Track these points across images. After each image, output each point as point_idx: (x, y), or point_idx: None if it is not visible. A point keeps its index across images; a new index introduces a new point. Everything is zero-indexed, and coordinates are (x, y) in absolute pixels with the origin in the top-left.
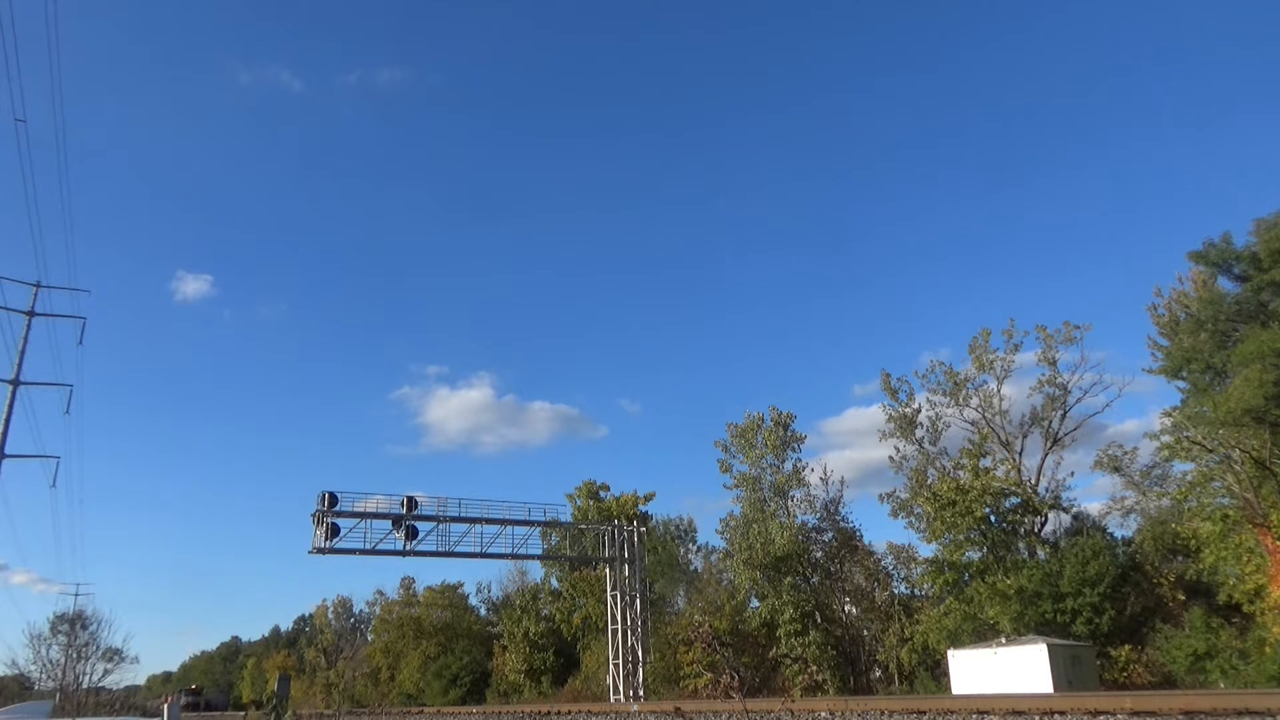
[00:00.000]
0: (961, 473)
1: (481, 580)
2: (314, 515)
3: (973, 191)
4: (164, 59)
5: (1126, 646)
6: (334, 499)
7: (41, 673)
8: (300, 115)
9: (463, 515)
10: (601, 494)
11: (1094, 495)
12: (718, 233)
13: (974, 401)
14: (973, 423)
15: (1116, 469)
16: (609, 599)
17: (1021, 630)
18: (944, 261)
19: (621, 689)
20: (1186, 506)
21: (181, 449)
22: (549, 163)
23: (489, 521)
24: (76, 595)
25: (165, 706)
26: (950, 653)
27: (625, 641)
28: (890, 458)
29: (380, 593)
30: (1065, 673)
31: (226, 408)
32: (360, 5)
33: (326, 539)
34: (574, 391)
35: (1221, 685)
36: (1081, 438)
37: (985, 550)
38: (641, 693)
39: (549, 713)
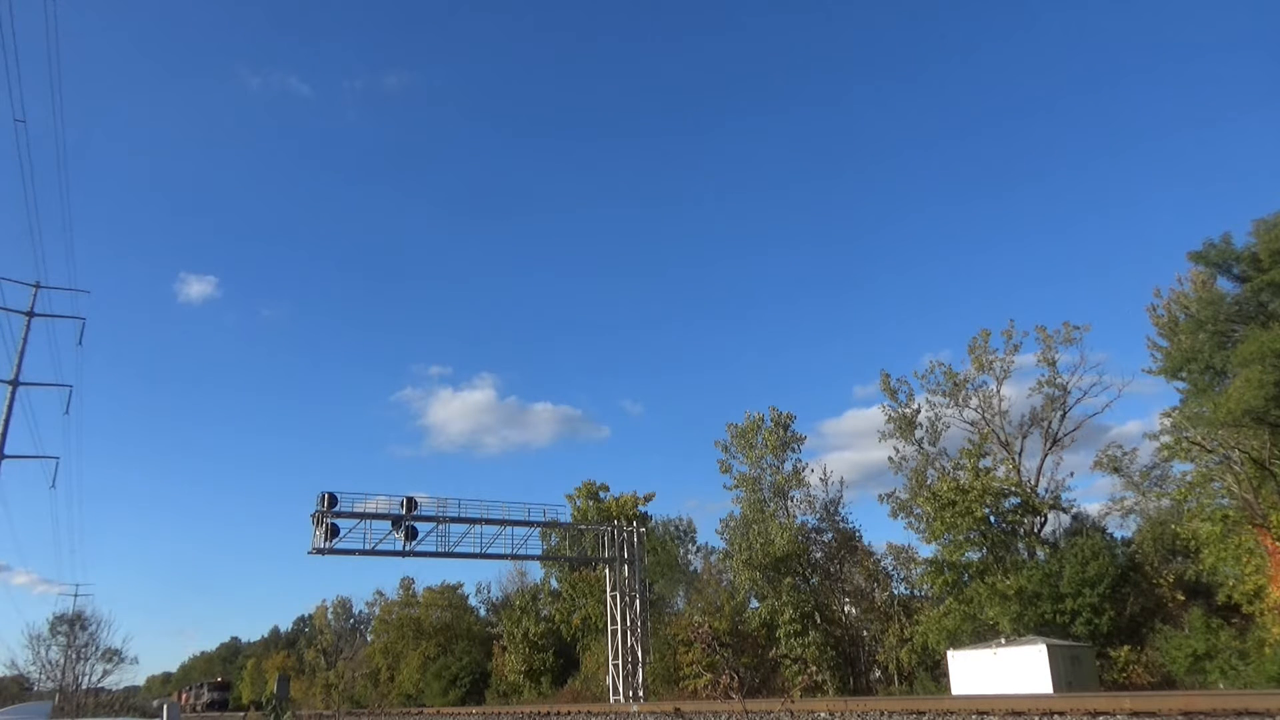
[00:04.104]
0: (961, 473)
1: (481, 581)
2: (313, 516)
3: (973, 191)
4: (173, 63)
5: (1126, 647)
6: (333, 499)
7: (41, 673)
8: (306, 118)
9: (462, 516)
10: (601, 494)
11: (1094, 496)
12: (718, 233)
13: (973, 402)
14: (972, 423)
15: (1116, 469)
16: (608, 599)
17: (1021, 631)
18: (944, 261)
19: (621, 689)
20: (1186, 507)
21: (182, 449)
22: (551, 164)
23: (489, 522)
24: (76, 596)
25: (165, 706)
26: (950, 653)
27: (625, 642)
28: (890, 458)
29: (380, 593)
30: (1065, 673)
31: (228, 409)
32: (369, 11)
33: (326, 539)
34: (576, 392)
35: (1221, 686)
36: (1081, 438)
37: (985, 551)
38: (641, 693)
39: (549, 713)
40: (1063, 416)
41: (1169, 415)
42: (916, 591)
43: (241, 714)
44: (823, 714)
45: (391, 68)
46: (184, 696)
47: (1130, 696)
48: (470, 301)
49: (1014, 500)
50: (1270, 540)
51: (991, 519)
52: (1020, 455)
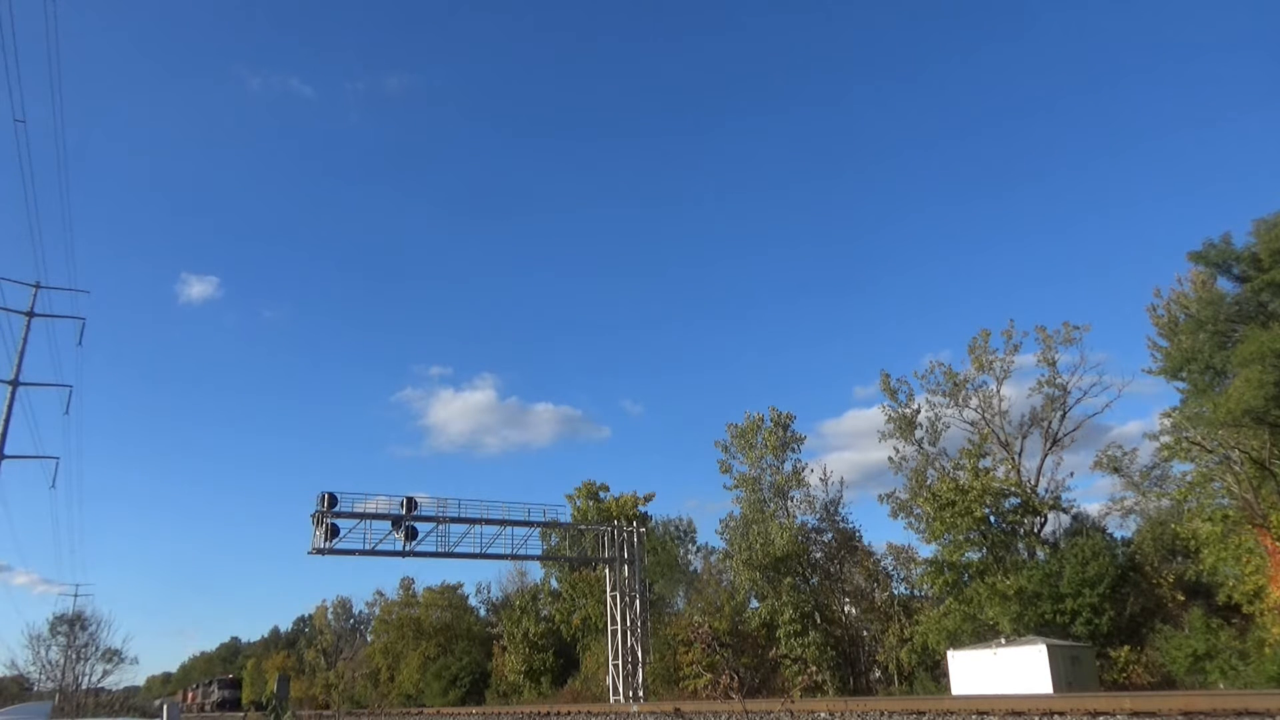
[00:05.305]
0: (961, 473)
1: (481, 581)
2: (313, 516)
3: (973, 191)
4: (173, 64)
5: (1126, 647)
6: (333, 500)
7: (41, 674)
8: (308, 119)
9: (462, 516)
10: (601, 494)
11: (1094, 496)
12: (718, 233)
13: (973, 402)
14: (972, 423)
15: (1116, 469)
16: (608, 599)
17: (1021, 631)
18: (944, 261)
19: (621, 689)
20: (1186, 507)
21: (182, 449)
22: (551, 164)
23: (489, 522)
24: (76, 596)
25: (165, 706)
26: (950, 653)
27: (625, 642)
28: (890, 458)
29: (380, 593)
30: (1065, 673)
31: (228, 409)
32: (370, 12)
33: (326, 540)
34: (577, 393)
35: (1221, 686)
36: (1082, 438)
37: (985, 551)
38: (641, 693)
39: (548, 713)
40: (1063, 416)
41: (1169, 415)
42: (916, 591)
43: (242, 714)
44: (823, 714)
45: (393, 69)
46: (190, 695)
47: (1130, 696)
48: (470, 301)
49: (1014, 500)
50: (1270, 540)
51: (991, 519)
52: (1020, 455)
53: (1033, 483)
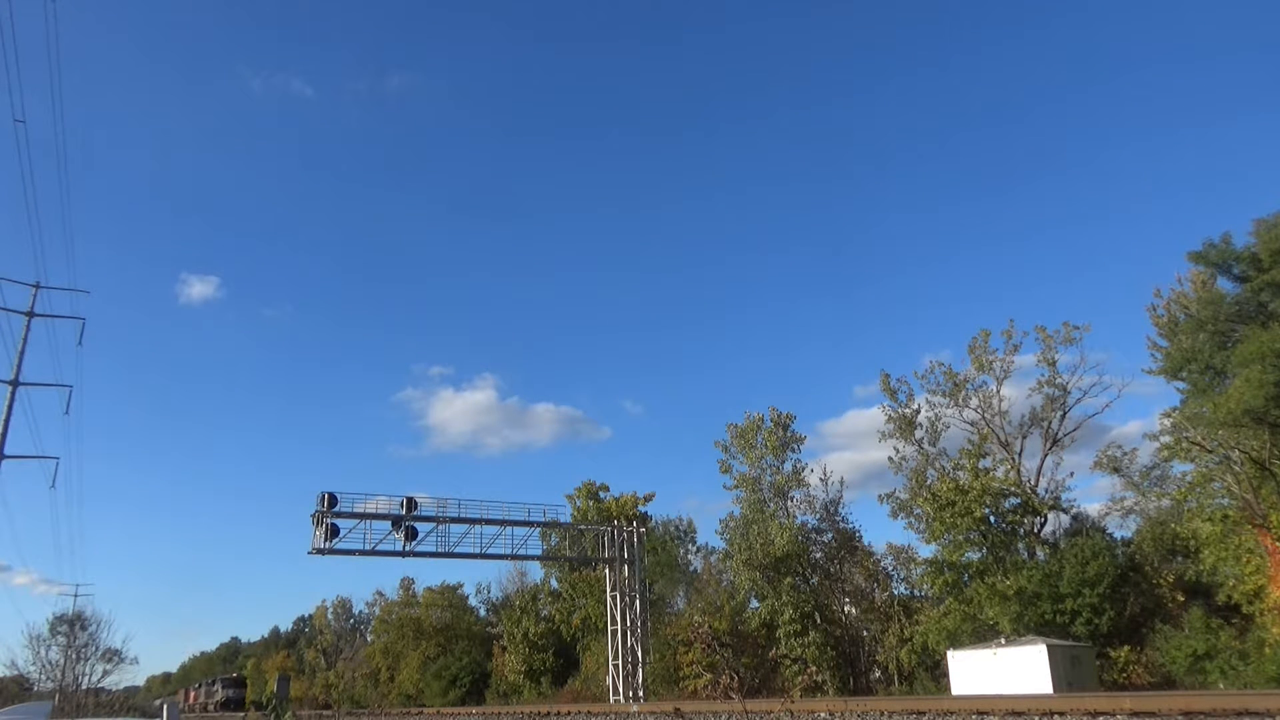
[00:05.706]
0: (961, 473)
1: (481, 581)
2: (313, 516)
3: (973, 191)
4: (174, 64)
5: (1126, 647)
6: (333, 500)
7: (41, 673)
8: (308, 119)
9: (462, 516)
10: (601, 494)
11: (1094, 496)
12: (718, 233)
13: (973, 402)
14: (972, 423)
15: (1116, 469)
16: (608, 599)
17: (1021, 631)
18: (944, 261)
19: (621, 689)
20: (1186, 507)
21: (182, 449)
22: (552, 164)
23: (488, 522)
24: (76, 596)
25: (165, 706)
26: (950, 653)
27: (625, 642)
28: (889, 458)
29: (380, 593)
30: (1065, 673)
31: (229, 409)
32: (371, 12)
33: (326, 540)
34: (577, 393)
35: (1221, 686)
36: (1082, 438)
37: (985, 551)
38: (641, 693)
39: (548, 713)
40: (1063, 416)
41: (1169, 415)
42: (916, 591)
43: (242, 714)
44: (823, 714)
45: (393, 69)
46: (193, 695)
47: (1130, 696)
48: (471, 301)
49: (1014, 500)
50: (1270, 540)
51: (991, 519)
52: (1020, 455)
53: (1033, 483)
